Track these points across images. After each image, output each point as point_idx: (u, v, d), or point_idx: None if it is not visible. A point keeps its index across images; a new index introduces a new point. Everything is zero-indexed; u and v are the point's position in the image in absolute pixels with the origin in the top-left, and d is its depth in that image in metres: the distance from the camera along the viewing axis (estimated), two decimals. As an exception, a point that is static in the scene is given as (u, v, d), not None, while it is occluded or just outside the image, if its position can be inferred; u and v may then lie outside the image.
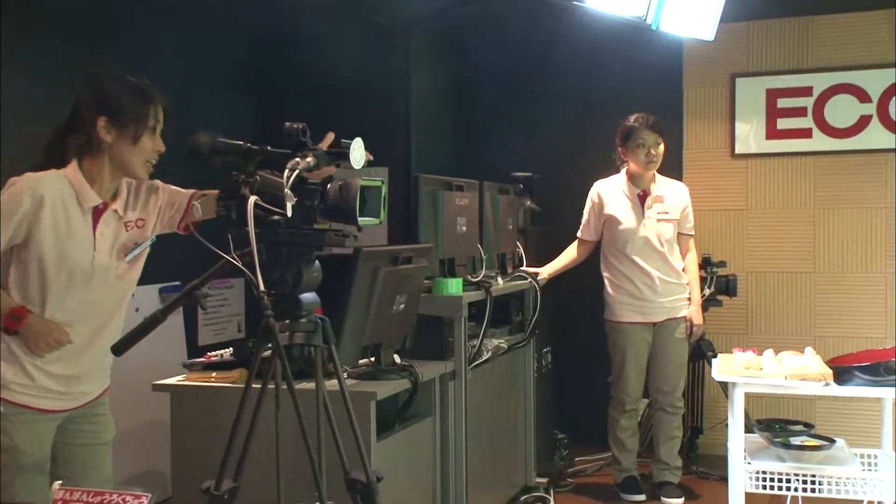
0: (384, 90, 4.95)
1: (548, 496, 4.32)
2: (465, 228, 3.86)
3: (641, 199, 4.41)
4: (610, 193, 4.46)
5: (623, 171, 4.48)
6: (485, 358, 3.73)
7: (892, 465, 3.25)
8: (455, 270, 3.75)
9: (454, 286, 3.55)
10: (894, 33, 4.91)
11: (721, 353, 3.91)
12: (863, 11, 5.09)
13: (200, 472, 2.12)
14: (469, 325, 3.63)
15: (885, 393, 3.19)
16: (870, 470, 3.30)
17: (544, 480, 4.45)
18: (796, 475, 3.16)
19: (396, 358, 3.15)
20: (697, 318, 4.43)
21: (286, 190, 2.05)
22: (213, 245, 2.12)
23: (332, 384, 2.18)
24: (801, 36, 5.20)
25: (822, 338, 4.94)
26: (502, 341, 3.96)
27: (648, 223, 4.38)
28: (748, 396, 3.34)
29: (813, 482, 3.15)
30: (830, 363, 3.33)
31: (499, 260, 4.24)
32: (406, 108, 5.06)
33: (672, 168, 4.80)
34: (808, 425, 3.49)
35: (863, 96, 5.09)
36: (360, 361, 3.06)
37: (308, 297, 2.17)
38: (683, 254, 4.48)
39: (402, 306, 3.10)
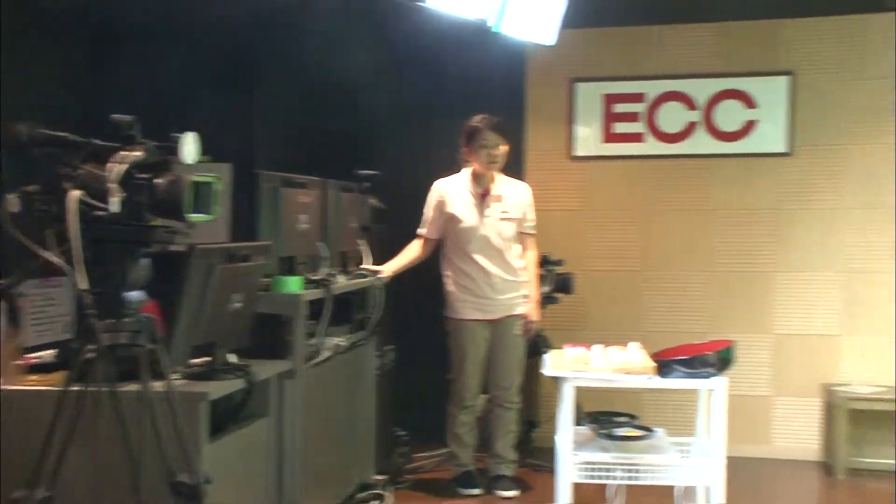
0: (227, 85, 4.83)
1: (385, 493, 4.34)
2: (306, 226, 3.83)
3: (482, 197, 4.51)
4: (452, 192, 4.54)
5: (467, 170, 4.56)
6: (324, 357, 3.72)
7: (703, 452, 3.48)
8: (295, 268, 3.71)
9: (293, 284, 3.53)
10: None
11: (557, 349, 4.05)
12: (692, 24, 5.39)
13: (14, 482, 2.02)
14: (310, 323, 3.61)
15: (698, 384, 3.41)
16: (685, 457, 3.51)
17: (383, 478, 4.48)
18: (619, 464, 3.33)
19: (233, 357, 3.09)
20: (535, 315, 4.57)
21: (109, 184, 1.99)
22: (30, 241, 2.02)
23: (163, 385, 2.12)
24: (636, 44, 5.45)
25: (651, 332, 5.18)
26: (342, 340, 3.96)
27: (489, 222, 4.48)
28: (582, 390, 3.48)
29: (635, 470, 3.32)
30: (655, 357, 3.52)
31: (340, 258, 4.23)
32: (249, 104, 4.96)
33: (514, 168, 4.92)
34: (633, 416, 3.68)
35: (690, 104, 5.40)
36: (195, 361, 2.98)
37: (134, 295, 2.11)
38: (524, 252, 4.61)
39: (239, 304, 3.04)
